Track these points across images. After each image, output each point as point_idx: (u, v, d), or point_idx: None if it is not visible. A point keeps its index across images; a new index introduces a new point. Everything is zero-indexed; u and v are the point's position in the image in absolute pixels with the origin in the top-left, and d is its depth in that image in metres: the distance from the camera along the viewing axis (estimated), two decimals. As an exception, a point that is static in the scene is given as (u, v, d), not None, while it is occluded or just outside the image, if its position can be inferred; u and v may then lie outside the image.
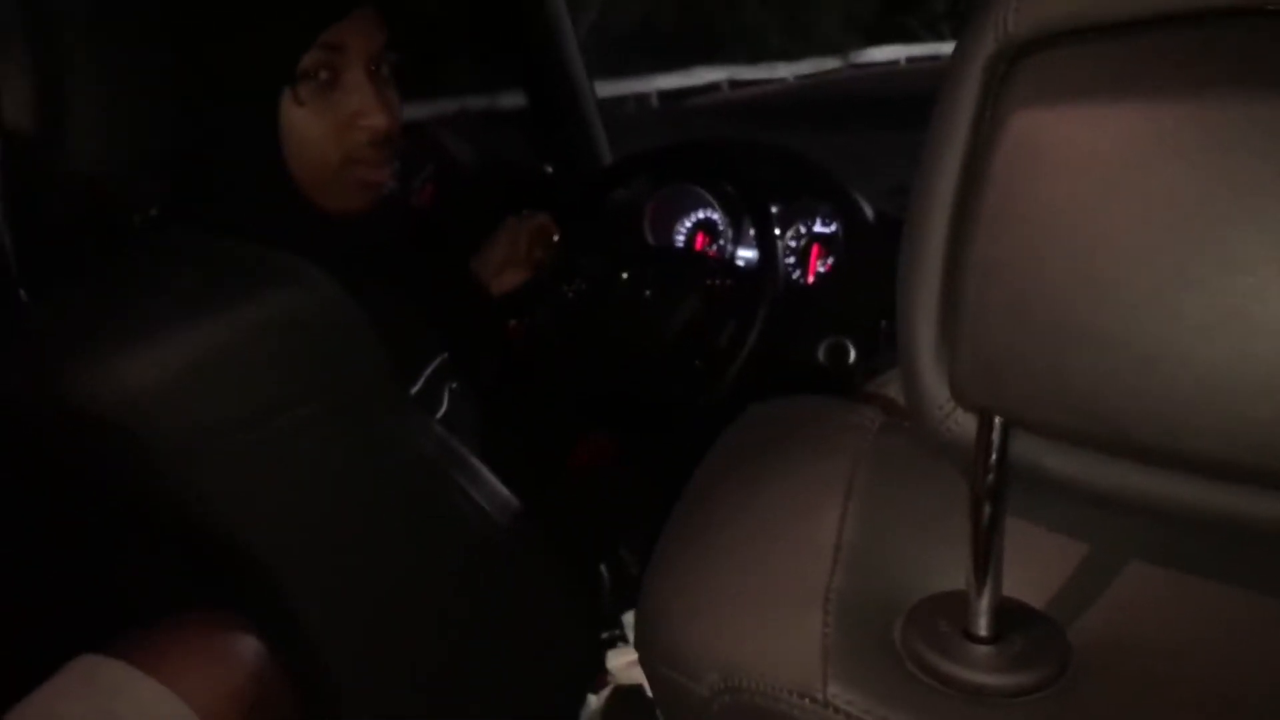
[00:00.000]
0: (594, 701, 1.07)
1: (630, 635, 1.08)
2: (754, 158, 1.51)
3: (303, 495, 0.81)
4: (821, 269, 1.49)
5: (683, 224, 1.62)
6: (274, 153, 0.91)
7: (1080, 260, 0.33)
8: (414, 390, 0.94)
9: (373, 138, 0.94)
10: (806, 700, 0.40)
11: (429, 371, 0.96)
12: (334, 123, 0.92)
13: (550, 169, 1.86)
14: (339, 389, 0.79)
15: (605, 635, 1.09)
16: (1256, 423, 0.31)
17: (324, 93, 0.91)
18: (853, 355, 1.39)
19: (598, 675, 1.07)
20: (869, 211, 1.45)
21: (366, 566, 0.86)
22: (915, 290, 0.39)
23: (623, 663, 1.03)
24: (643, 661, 0.48)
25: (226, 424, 0.74)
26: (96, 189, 0.90)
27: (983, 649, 0.40)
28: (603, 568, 1.17)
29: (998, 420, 0.37)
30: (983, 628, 0.40)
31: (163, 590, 0.86)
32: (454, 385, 0.99)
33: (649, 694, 1.01)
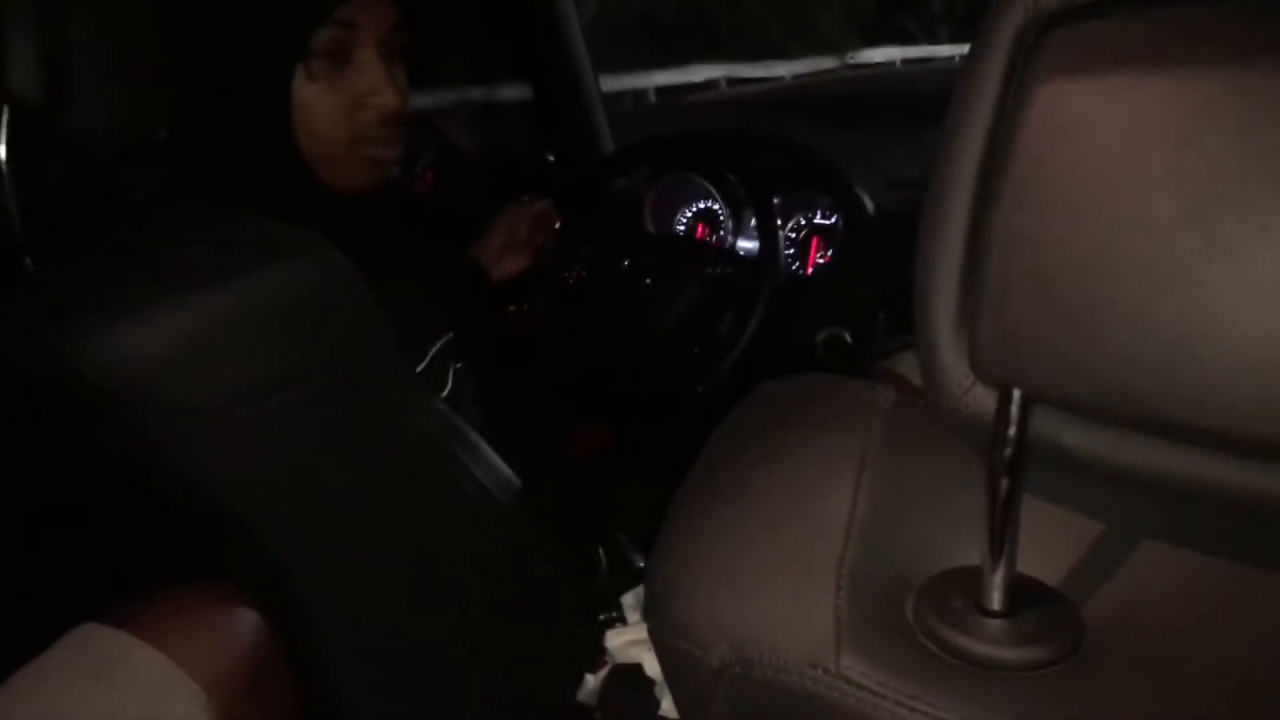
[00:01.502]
0: (591, 681, 1.08)
1: (629, 616, 1.08)
2: (755, 148, 1.51)
3: (305, 470, 0.80)
4: (821, 260, 1.50)
5: (683, 213, 1.62)
6: (285, 128, 0.91)
7: (1107, 233, 0.33)
8: (420, 368, 0.94)
9: (383, 116, 0.95)
10: (819, 671, 0.41)
11: (435, 350, 0.97)
12: (345, 100, 0.93)
13: (551, 157, 1.86)
14: (344, 364, 0.79)
15: (603, 617, 1.10)
16: None
17: (336, 70, 0.91)
18: (850, 346, 1.40)
19: (596, 655, 1.07)
20: (869, 204, 1.45)
21: (367, 543, 0.86)
22: (935, 263, 0.39)
23: (621, 642, 1.03)
24: (651, 633, 0.49)
25: (229, 397, 0.74)
26: (101, 161, 0.90)
27: (996, 623, 0.40)
28: (600, 550, 1.18)
29: (1017, 394, 0.37)
30: (996, 602, 0.40)
31: (163, 562, 0.86)
32: (458, 365, 0.99)
33: (647, 673, 1.02)
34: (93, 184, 0.91)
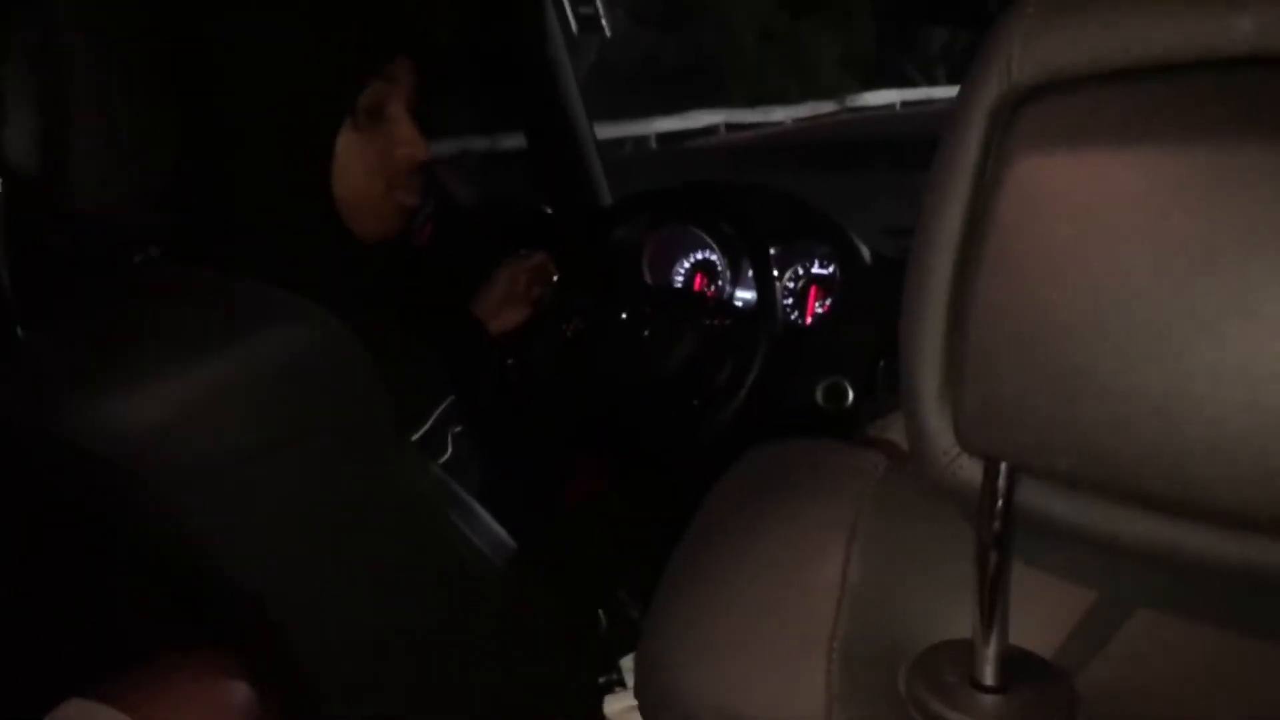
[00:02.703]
0: (591, 747, 1.06)
1: (628, 680, 1.06)
2: (752, 199, 1.52)
3: (299, 535, 0.80)
4: (819, 310, 1.50)
5: (681, 264, 1.63)
6: (326, 179, 0.94)
7: (1086, 306, 0.33)
8: (421, 432, 0.93)
9: (412, 166, 1.00)
10: None
11: (437, 414, 0.97)
12: (380, 151, 0.97)
13: (549, 209, 1.87)
14: (339, 428, 0.79)
15: (602, 680, 1.08)
16: (1267, 472, 0.31)
17: (374, 123, 0.96)
18: (850, 396, 1.39)
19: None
20: (866, 253, 1.45)
21: (363, 608, 0.85)
22: (919, 335, 0.39)
23: (620, 708, 1.02)
24: (642, 708, 0.48)
25: (224, 462, 0.73)
26: (96, 225, 0.90)
27: (990, 699, 0.39)
28: (600, 611, 1.16)
29: (1003, 466, 0.37)
30: (989, 677, 0.39)
31: (155, 629, 0.85)
32: (457, 430, 0.99)
33: (646, 740, 1.00)
34: (90, 248, 0.92)
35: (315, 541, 0.81)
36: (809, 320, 1.50)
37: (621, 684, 1.05)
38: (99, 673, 0.73)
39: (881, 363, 1.37)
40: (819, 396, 1.40)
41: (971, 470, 0.39)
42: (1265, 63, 0.31)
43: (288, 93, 0.90)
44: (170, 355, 0.73)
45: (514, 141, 2.00)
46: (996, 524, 0.37)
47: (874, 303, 1.40)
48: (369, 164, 0.96)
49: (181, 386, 0.72)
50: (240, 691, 0.74)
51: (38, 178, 0.73)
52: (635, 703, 1.03)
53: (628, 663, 1.06)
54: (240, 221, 0.93)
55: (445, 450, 0.96)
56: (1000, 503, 0.37)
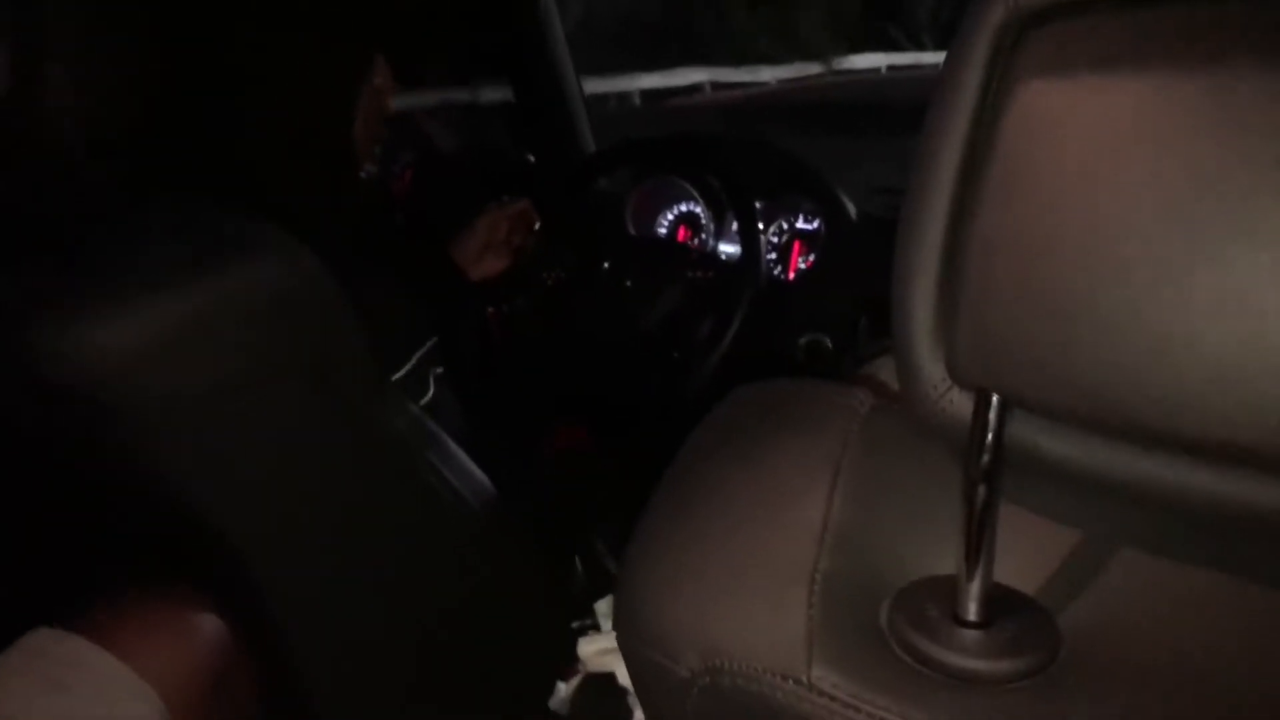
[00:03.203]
0: (563, 689, 1.06)
1: (603, 624, 1.06)
2: (739, 152, 1.50)
3: (274, 469, 0.79)
4: (803, 266, 1.49)
5: (665, 216, 1.61)
6: (350, 119, 1.03)
7: (1088, 236, 0.32)
8: (402, 373, 0.93)
9: (388, 111, 1.11)
10: (790, 682, 0.39)
11: (419, 355, 0.96)
12: (376, 103, 1.08)
13: (532, 158, 1.84)
14: (316, 363, 0.78)
15: (576, 624, 1.08)
16: (1263, 407, 0.30)
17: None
18: (831, 352, 1.39)
19: (569, 662, 1.05)
20: (852, 209, 1.44)
21: (335, 544, 0.84)
22: (913, 265, 0.38)
23: (594, 650, 1.02)
24: (621, 642, 0.47)
25: (199, 393, 0.72)
26: (74, 155, 0.88)
27: (972, 634, 0.39)
28: (576, 556, 1.16)
29: (995, 399, 0.36)
30: (972, 612, 0.39)
31: (124, 563, 0.84)
32: (439, 371, 0.99)
33: (620, 682, 1.01)
34: (65, 178, 0.90)
35: (288, 478, 0.80)
36: (792, 276, 1.50)
37: (596, 627, 1.06)
38: (68, 603, 0.72)
39: (863, 320, 1.37)
40: (799, 352, 1.40)
41: (961, 405, 0.38)
42: None
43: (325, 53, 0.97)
44: (143, 284, 0.71)
45: (498, 93, 1.97)
46: (986, 458, 0.37)
47: (858, 260, 1.40)
48: (372, 114, 1.06)
49: (154, 316, 0.70)
50: (209, 623, 0.74)
51: (8, 106, 0.71)
52: (609, 645, 1.03)
53: (602, 606, 1.06)
54: (243, 160, 0.93)
55: (427, 391, 0.96)
56: (990, 436, 0.36)
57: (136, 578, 0.77)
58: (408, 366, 0.95)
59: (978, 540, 0.38)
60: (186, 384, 0.73)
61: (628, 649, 0.47)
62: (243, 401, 0.75)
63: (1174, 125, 0.31)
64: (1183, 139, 0.30)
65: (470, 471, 0.92)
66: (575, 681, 1.05)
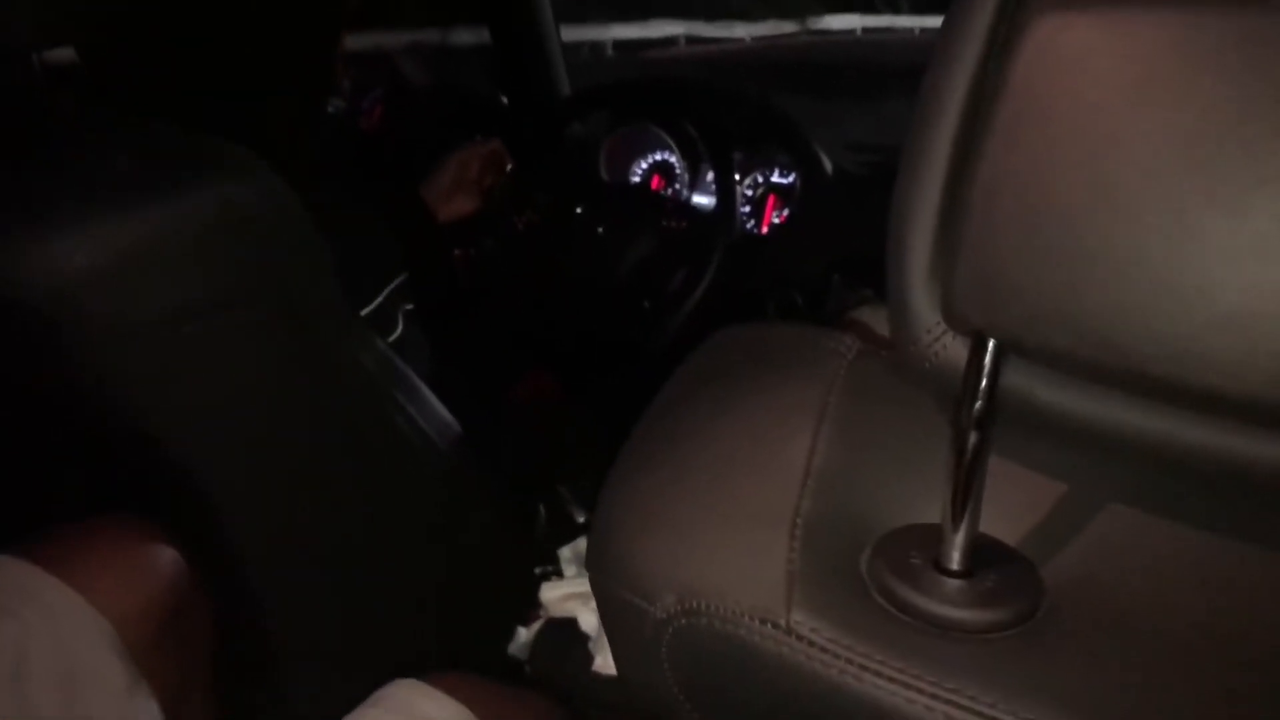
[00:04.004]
0: (524, 634, 1.06)
1: (565, 569, 1.06)
2: (717, 101, 1.48)
3: (236, 398, 0.77)
4: (776, 220, 1.48)
5: (639, 164, 1.59)
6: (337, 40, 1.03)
7: (1100, 175, 0.31)
8: (371, 307, 0.91)
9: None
10: (768, 626, 0.39)
11: (388, 290, 0.94)
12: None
13: (506, 100, 1.81)
14: (281, 290, 0.76)
15: (539, 570, 1.08)
16: (1272, 356, 0.30)
17: None
18: (802, 308, 1.38)
19: (530, 608, 1.05)
20: (827, 165, 1.43)
21: (296, 478, 0.83)
22: (912, 201, 0.37)
23: (556, 596, 1.02)
24: (594, 582, 0.46)
25: (160, 317, 0.70)
26: (24, 70, 0.84)
27: (953, 583, 0.38)
28: (540, 502, 1.15)
29: (992, 344, 0.35)
30: (955, 561, 0.38)
31: (79, 493, 0.82)
32: (408, 308, 0.97)
33: (582, 628, 1.01)
34: (15, 95, 0.86)
35: (249, 408, 0.78)
36: (765, 230, 1.48)
37: (559, 573, 1.05)
38: (21, 532, 0.70)
39: (836, 277, 1.37)
40: (770, 307, 1.39)
41: (955, 350, 0.37)
42: None
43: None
44: (98, 202, 0.68)
45: (474, 35, 1.93)
46: (979, 404, 0.36)
47: (832, 216, 1.39)
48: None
49: (110, 235, 0.67)
50: (166, 556, 0.72)
51: None
52: (572, 590, 1.03)
53: (566, 552, 1.06)
54: (223, 80, 0.89)
55: (395, 328, 0.94)
56: (985, 382, 0.36)
57: (92, 507, 0.75)
58: (376, 302, 0.93)
59: (965, 489, 0.37)
60: (148, 305, 0.70)
61: (601, 589, 0.46)
62: (202, 325, 0.73)
63: (1196, 64, 0.30)
64: (1205, 78, 0.29)
65: (437, 412, 0.91)
66: (536, 626, 1.05)
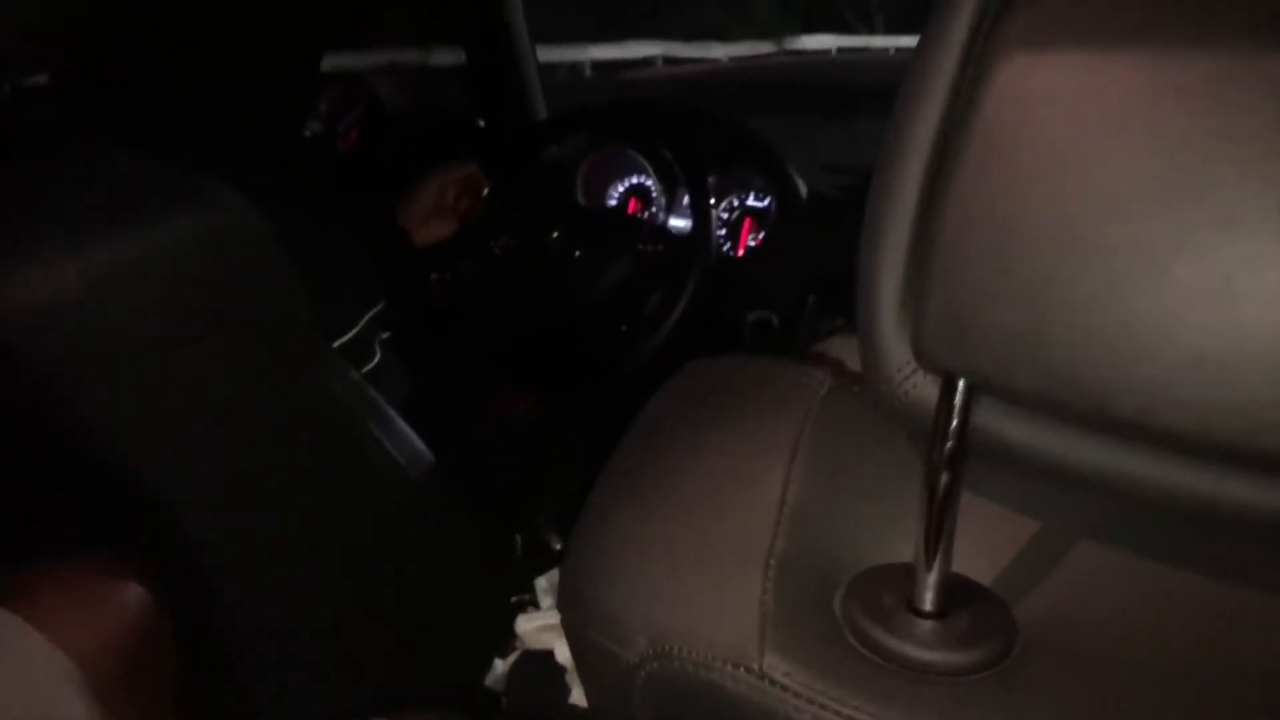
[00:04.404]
0: (500, 666, 1.04)
1: (542, 600, 1.05)
2: (692, 125, 1.48)
3: (201, 431, 0.76)
4: (752, 243, 1.48)
5: (616, 187, 1.59)
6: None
7: (1067, 214, 0.31)
8: (349, 336, 0.90)
9: None
10: (741, 670, 0.38)
11: (366, 319, 0.93)
12: None
13: (482, 122, 1.81)
14: (253, 319, 0.75)
15: (515, 599, 1.06)
16: (1241, 397, 0.29)
17: None
18: (778, 330, 1.38)
19: (506, 639, 1.04)
20: (803, 188, 1.44)
21: (267, 512, 0.82)
22: (881, 240, 0.37)
23: (532, 627, 1.00)
24: (565, 624, 0.46)
25: (130, 348, 0.69)
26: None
27: (927, 624, 0.38)
28: (516, 531, 1.14)
29: (962, 384, 0.35)
30: (928, 602, 0.38)
31: (44, 528, 0.80)
32: (385, 336, 0.96)
33: (558, 660, 0.99)
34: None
35: (218, 441, 0.77)
36: (741, 252, 1.49)
37: (535, 604, 1.04)
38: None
39: (811, 299, 1.37)
40: (747, 329, 1.39)
41: (925, 388, 0.37)
42: None
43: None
44: (69, 234, 0.68)
45: (451, 56, 1.93)
46: (950, 444, 0.36)
47: (807, 239, 1.39)
48: None
49: (78, 267, 0.66)
50: (131, 592, 0.71)
51: None
52: (548, 622, 1.02)
53: (542, 583, 1.04)
54: (216, 97, 0.89)
55: (373, 356, 0.93)
56: (955, 422, 0.35)
57: (57, 544, 0.73)
58: (354, 331, 0.92)
59: (937, 529, 0.37)
60: (108, 340, 0.69)
61: (573, 632, 0.45)
62: (170, 358, 0.72)
63: (1161, 105, 0.30)
64: (1168, 120, 0.29)
65: (410, 441, 0.90)
66: (513, 658, 1.04)
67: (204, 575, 0.79)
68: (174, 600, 0.74)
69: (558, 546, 1.12)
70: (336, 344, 0.89)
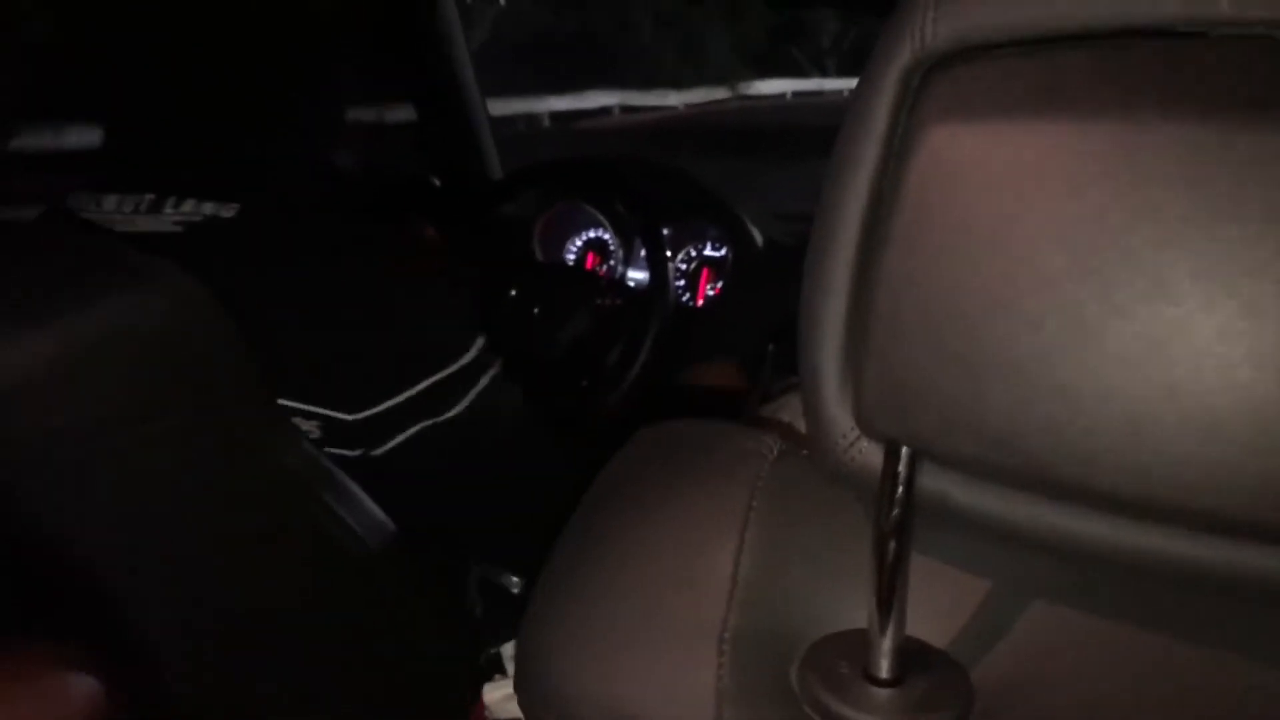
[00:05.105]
0: (469, 736, 1.02)
1: (509, 668, 1.03)
2: (645, 177, 1.50)
3: (152, 514, 0.74)
4: (711, 292, 1.49)
5: (573, 242, 1.60)
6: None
7: (997, 283, 0.31)
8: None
9: None
10: None
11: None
12: None
13: (437, 181, 1.81)
14: (204, 398, 0.73)
15: (485, 657, 1.04)
16: (1174, 459, 0.30)
17: None
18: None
19: (473, 709, 1.02)
20: (758, 237, 1.45)
21: (221, 591, 0.80)
22: (819, 311, 0.37)
23: (499, 696, 0.99)
24: (522, 705, 0.45)
25: (77, 432, 0.68)
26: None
27: (884, 692, 0.38)
28: (477, 592, 1.12)
29: (905, 451, 0.35)
30: (884, 669, 0.38)
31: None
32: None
33: (526, 730, 0.97)
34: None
35: (166, 521, 0.75)
36: (700, 302, 1.49)
37: (502, 671, 1.02)
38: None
39: (771, 347, 1.37)
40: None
41: (871, 454, 0.37)
42: (1189, 35, 0.30)
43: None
44: (15, 316, 0.66)
45: (401, 114, 1.94)
46: (896, 511, 0.35)
47: (765, 287, 1.40)
48: None
49: (23, 349, 0.65)
50: (83, 683, 0.69)
51: None
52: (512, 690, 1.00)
53: (509, 650, 1.03)
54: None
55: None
56: (901, 489, 0.35)
57: (4, 633, 0.71)
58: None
59: (888, 596, 0.37)
60: (65, 420, 0.68)
61: (528, 712, 0.44)
62: (126, 436, 0.70)
63: (1081, 173, 0.30)
64: (1090, 187, 0.30)
65: (366, 506, 0.89)
66: (480, 728, 1.02)
67: (155, 657, 0.77)
68: (123, 686, 0.72)
69: (515, 591, 1.10)
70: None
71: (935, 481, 0.36)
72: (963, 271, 0.32)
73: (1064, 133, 0.30)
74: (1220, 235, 0.28)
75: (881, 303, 0.34)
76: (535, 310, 1.42)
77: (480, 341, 0.92)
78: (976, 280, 0.32)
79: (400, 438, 0.87)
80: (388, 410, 0.86)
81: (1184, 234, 0.28)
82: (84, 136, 0.94)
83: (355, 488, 0.88)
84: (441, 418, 0.88)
